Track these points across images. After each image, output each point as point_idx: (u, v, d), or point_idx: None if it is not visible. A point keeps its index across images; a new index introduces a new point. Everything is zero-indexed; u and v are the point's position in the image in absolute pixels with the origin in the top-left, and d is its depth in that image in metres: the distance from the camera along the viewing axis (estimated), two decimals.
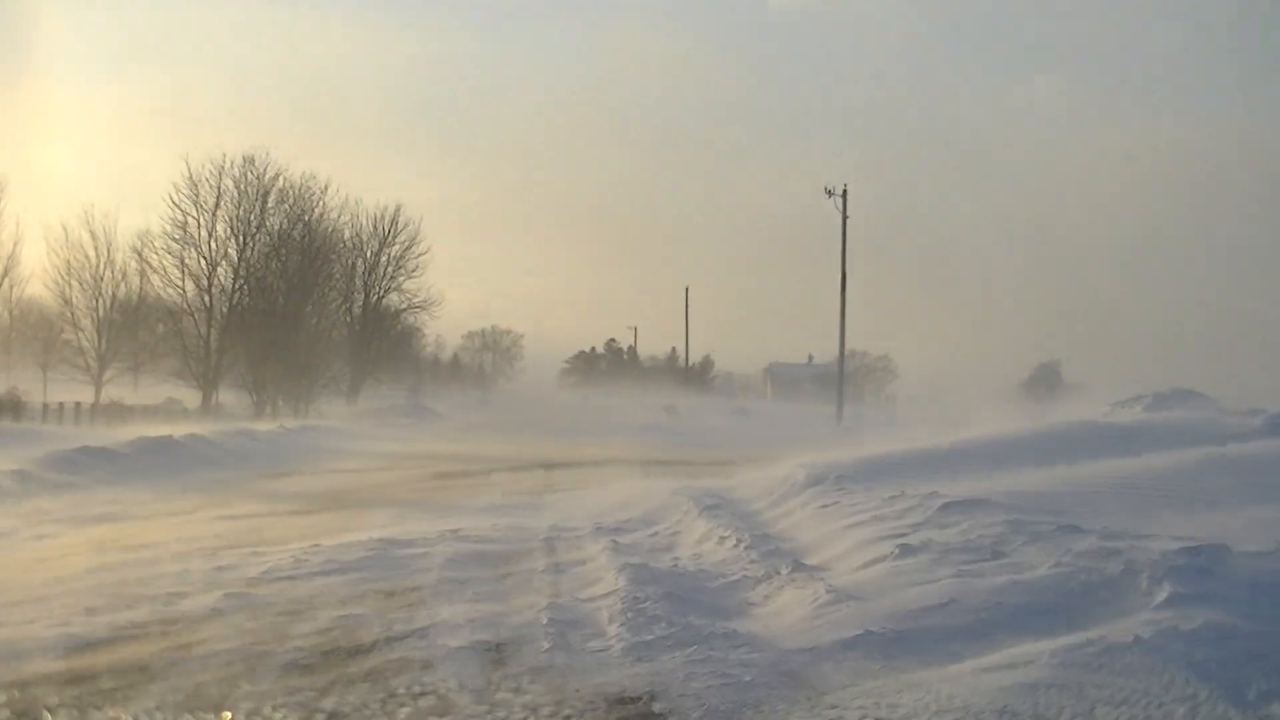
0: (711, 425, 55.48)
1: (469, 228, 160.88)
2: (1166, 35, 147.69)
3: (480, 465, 26.31)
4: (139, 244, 52.25)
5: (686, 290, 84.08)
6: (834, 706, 6.00)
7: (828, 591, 8.60)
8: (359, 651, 7.41)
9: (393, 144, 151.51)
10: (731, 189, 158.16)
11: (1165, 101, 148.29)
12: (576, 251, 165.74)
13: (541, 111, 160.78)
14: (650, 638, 7.57)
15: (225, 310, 53.37)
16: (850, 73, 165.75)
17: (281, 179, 55.06)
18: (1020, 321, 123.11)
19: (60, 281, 50.99)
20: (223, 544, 11.98)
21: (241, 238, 53.96)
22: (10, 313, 54.09)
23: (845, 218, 49.99)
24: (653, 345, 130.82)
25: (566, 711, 6.10)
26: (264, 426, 34.95)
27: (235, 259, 53.82)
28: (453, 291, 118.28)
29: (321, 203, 58.58)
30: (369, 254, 66.47)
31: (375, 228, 66.09)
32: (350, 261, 65.04)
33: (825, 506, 12.87)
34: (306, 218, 57.49)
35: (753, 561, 10.46)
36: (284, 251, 56.33)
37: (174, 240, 52.19)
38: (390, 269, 66.90)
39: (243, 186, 53.86)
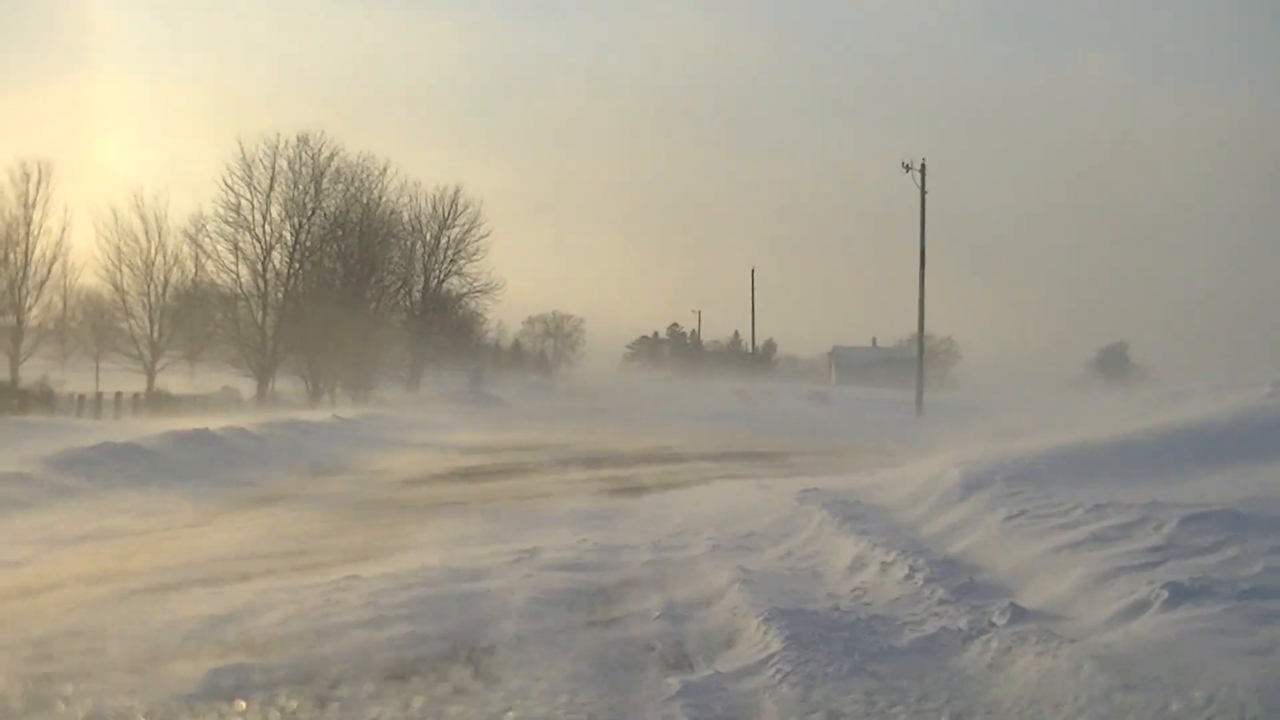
0: (787, 411, 52.58)
1: (528, 215, 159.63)
2: (1242, 10, 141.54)
3: (550, 457, 23.68)
4: (192, 229, 50.48)
5: (752, 272, 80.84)
6: None
7: (1093, 662, 5.69)
8: None
9: (447, 134, 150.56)
10: (790, 171, 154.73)
11: (1239, 77, 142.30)
12: (637, 237, 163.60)
13: (602, 96, 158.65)
14: None
15: (280, 295, 51.39)
16: (909, 52, 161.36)
17: (337, 159, 53.03)
18: (1082, 302, 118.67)
19: (111, 268, 49.39)
20: (227, 575, 9.16)
21: (297, 220, 52.03)
22: (64, 299, 52.32)
23: (924, 193, 46.57)
24: (713, 329, 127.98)
25: None
26: (315, 417, 32.51)
27: (290, 242, 51.92)
28: (513, 278, 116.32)
29: (380, 184, 56.44)
30: (429, 236, 64.41)
31: (435, 209, 63.99)
32: (409, 244, 62.98)
33: (1011, 518, 9.90)
34: (364, 199, 55.40)
35: (943, 601, 7.60)
36: (341, 234, 54.31)
37: (227, 224, 50.50)
38: (450, 252, 64.80)
39: (297, 167, 51.93)
